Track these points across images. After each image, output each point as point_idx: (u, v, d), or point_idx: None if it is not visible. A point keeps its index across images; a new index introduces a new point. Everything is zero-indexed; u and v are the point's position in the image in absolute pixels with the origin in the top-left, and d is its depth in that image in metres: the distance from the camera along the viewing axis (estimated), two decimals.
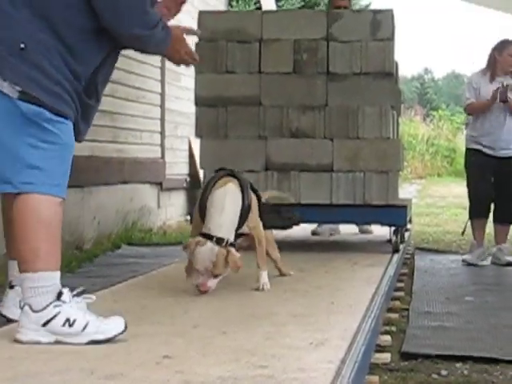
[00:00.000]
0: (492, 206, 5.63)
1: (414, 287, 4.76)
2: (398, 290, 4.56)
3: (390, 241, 5.15)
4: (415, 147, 18.91)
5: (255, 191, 3.75)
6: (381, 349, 3.21)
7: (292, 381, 2.10)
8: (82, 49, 2.51)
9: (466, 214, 6.49)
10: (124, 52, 2.83)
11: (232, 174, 3.59)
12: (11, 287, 2.79)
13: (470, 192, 5.74)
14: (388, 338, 3.38)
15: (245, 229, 3.57)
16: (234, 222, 3.43)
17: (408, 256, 5.90)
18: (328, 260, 4.76)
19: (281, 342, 2.57)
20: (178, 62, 2.81)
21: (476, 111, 5.71)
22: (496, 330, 3.68)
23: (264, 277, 3.62)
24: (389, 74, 5.10)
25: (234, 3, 12.67)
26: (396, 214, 5.09)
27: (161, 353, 2.39)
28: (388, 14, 5.07)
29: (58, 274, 2.51)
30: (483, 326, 3.77)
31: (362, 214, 5.13)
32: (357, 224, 6.16)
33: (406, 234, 5.84)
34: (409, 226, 6.14)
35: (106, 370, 2.22)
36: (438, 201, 12.12)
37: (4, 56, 2.39)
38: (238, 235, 3.52)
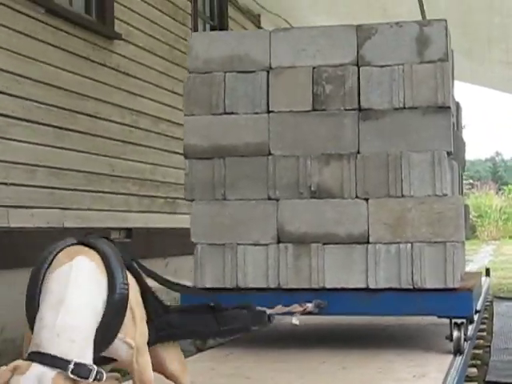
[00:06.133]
0: None
1: (494, 328, 7.32)
2: (481, 330, 6.99)
3: (450, 337, 4.88)
4: (490, 215, 30.52)
5: (138, 276, 2.94)
6: (469, 379, 4.94)
7: None
8: None
9: None
10: None
11: (84, 243, 2.78)
12: None
13: None
14: (474, 370, 5.27)
15: (119, 348, 2.69)
16: (90, 329, 2.57)
17: (488, 303, 8.62)
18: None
19: (389, 375, 4.11)
20: None
21: None
22: None
23: None
24: (443, 107, 5.07)
25: None
26: (458, 302, 4.97)
27: None
28: (440, 26, 5.06)
29: None
30: None
31: (411, 302, 5.00)
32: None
33: (472, 327, 5.68)
34: (479, 306, 6.23)
35: None
36: (511, 258, 18.01)
37: None
38: (100, 358, 2.66)
